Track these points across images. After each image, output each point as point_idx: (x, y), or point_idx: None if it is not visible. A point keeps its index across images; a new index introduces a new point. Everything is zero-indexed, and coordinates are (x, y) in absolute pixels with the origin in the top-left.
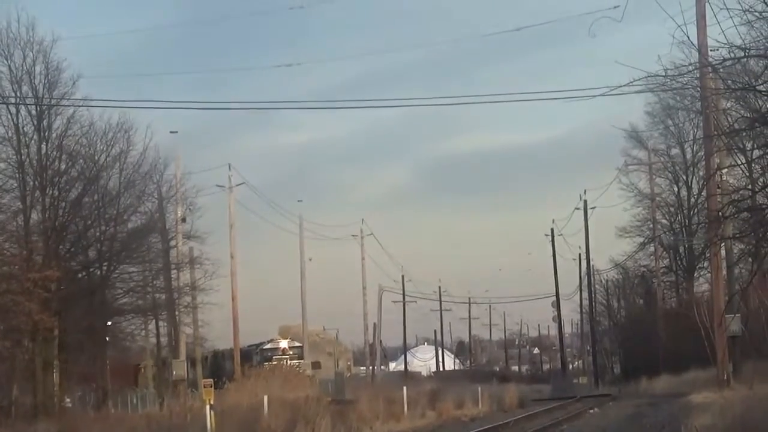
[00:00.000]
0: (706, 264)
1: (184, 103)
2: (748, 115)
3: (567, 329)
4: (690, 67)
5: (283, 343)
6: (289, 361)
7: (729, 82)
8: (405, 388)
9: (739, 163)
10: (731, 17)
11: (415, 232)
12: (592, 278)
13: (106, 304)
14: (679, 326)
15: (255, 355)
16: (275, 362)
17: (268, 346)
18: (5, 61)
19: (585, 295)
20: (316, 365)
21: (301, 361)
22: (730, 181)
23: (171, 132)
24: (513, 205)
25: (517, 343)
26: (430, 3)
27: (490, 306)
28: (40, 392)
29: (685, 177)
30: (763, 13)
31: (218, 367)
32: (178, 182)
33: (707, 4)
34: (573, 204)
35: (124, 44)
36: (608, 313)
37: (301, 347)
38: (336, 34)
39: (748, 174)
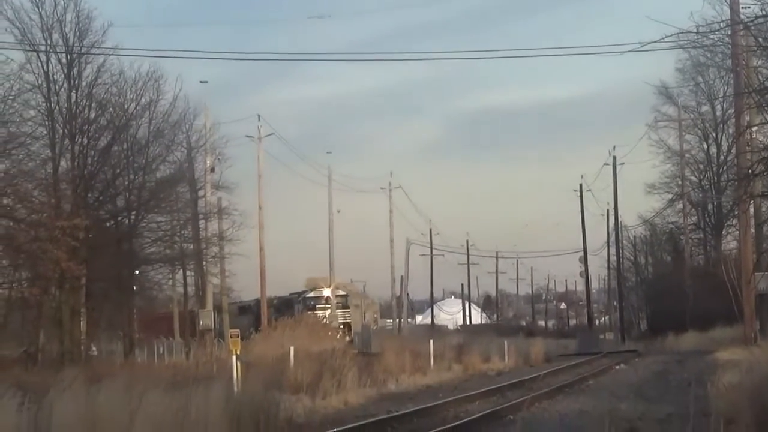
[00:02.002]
0: (734, 221)
1: (214, 53)
2: None
3: (594, 285)
4: (721, 24)
5: (327, 292)
6: (334, 310)
7: (760, 39)
8: (431, 341)
9: None
10: None
11: (444, 187)
12: (620, 234)
13: (133, 253)
14: (706, 283)
15: (297, 304)
16: (319, 311)
17: (311, 294)
18: (36, 9)
19: (612, 251)
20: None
21: (347, 310)
22: (760, 139)
23: (201, 82)
24: (542, 159)
25: (543, 297)
26: None
27: (517, 260)
28: (67, 340)
29: (714, 134)
30: None
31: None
32: (208, 132)
33: None
34: (602, 160)
35: None
36: (635, 270)
37: (345, 296)
38: None
39: None
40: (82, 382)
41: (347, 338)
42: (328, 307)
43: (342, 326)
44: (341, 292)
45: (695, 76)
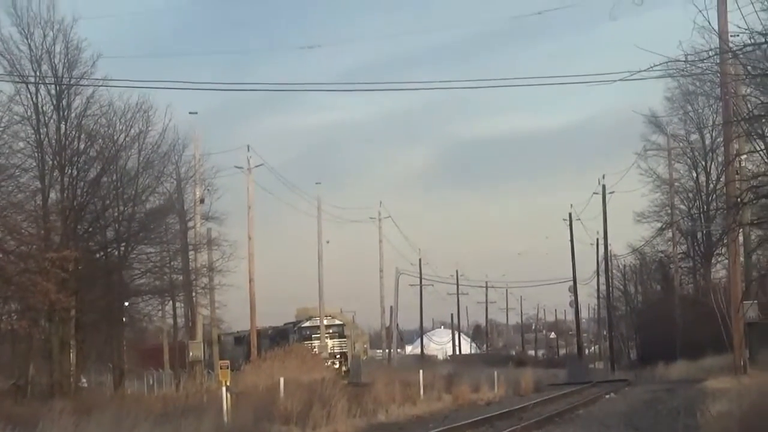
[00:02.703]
0: (723, 250)
1: (203, 84)
2: None
3: (584, 314)
4: (710, 53)
5: (324, 321)
6: (329, 340)
7: (749, 67)
8: (421, 371)
9: (759, 149)
10: (752, 2)
11: (433, 216)
12: (609, 263)
13: (123, 285)
14: (696, 312)
15: (293, 334)
16: (315, 341)
17: (307, 324)
18: (25, 40)
19: (602, 280)
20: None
21: (344, 339)
22: (749, 167)
23: (190, 113)
24: (531, 189)
25: (533, 327)
26: None
27: (507, 290)
28: (57, 372)
29: (703, 162)
30: None
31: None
32: (197, 163)
33: None
34: (591, 189)
35: (144, 25)
36: (625, 299)
37: (342, 325)
38: (354, 17)
39: (767, 160)
40: (72, 413)
41: (344, 368)
42: (326, 337)
43: (338, 356)
44: (337, 322)
45: (684, 104)
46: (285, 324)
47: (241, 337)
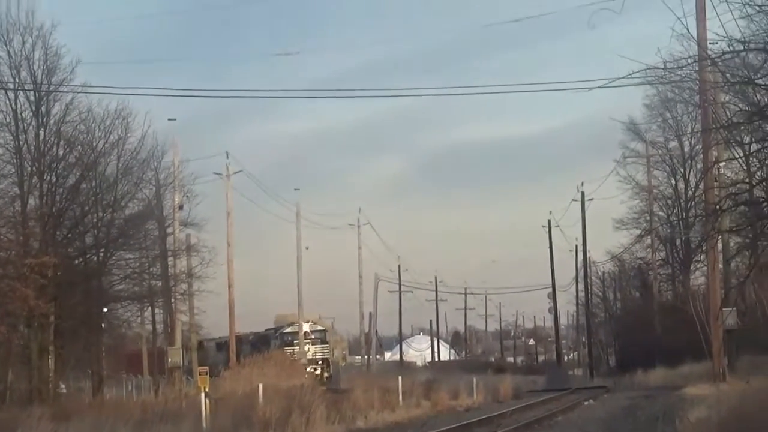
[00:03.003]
0: (702, 257)
1: (183, 91)
2: (747, 108)
3: (563, 321)
4: (689, 60)
5: (305, 327)
6: (312, 346)
7: (728, 75)
8: (400, 377)
9: (737, 156)
10: (731, 10)
11: (412, 223)
12: (588, 270)
13: (102, 291)
14: (674, 319)
15: (274, 340)
16: (296, 347)
17: (289, 330)
18: (4, 47)
19: (581, 286)
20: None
21: (326, 345)
22: (728, 175)
23: (169, 119)
24: (510, 196)
25: (512, 334)
26: None
27: (486, 296)
28: (36, 378)
29: (682, 170)
30: (763, 6)
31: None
32: (176, 169)
33: None
34: (570, 196)
35: (124, 31)
36: (604, 306)
37: (324, 331)
38: (331, 25)
39: (745, 167)
40: (51, 420)
41: (326, 374)
42: (308, 343)
43: (321, 362)
44: (320, 327)
45: (663, 111)
46: (267, 330)
47: (222, 343)
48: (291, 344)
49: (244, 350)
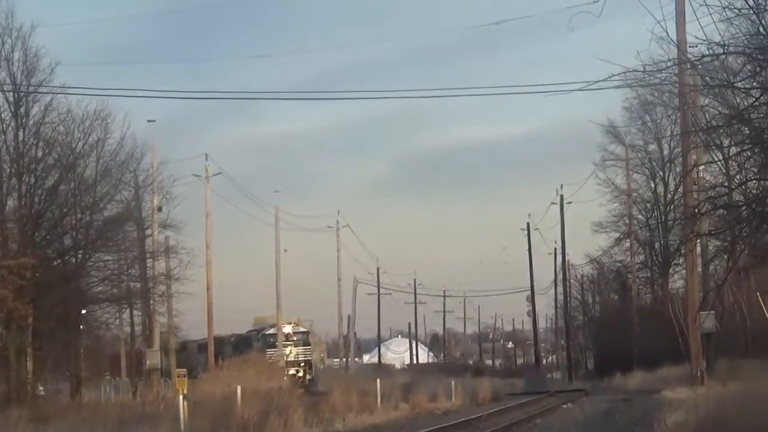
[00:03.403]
0: (681, 260)
1: (162, 92)
2: (726, 111)
3: (541, 324)
4: (668, 63)
5: (287, 329)
6: (293, 348)
7: (707, 78)
8: (378, 380)
9: (716, 160)
10: (710, 14)
11: (391, 225)
12: (567, 273)
13: (80, 293)
14: (653, 322)
15: (256, 342)
16: (277, 349)
17: (271, 331)
18: None
19: (560, 290)
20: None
21: (308, 347)
22: (707, 178)
23: (148, 121)
24: (489, 198)
25: (491, 336)
26: None
27: (464, 299)
28: (14, 380)
29: (661, 173)
30: (742, 10)
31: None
32: (155, 171)
33: (686, 0)
34: (549, 198)
35: (103, 33)
36: (583, 309)
37: (306, 333)
38: (313, 26)
39: (724, 171)
40: (29, 421)
41: (308, 376)
42: (290, 344)
43: (303, 363)
44: (302, 329)
45: (642, 114)
46: (249, 331)
47: (204, 345)
48: (273, 346)
49: (226, 352)
